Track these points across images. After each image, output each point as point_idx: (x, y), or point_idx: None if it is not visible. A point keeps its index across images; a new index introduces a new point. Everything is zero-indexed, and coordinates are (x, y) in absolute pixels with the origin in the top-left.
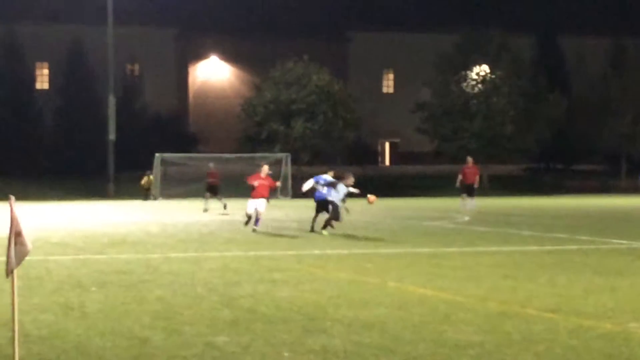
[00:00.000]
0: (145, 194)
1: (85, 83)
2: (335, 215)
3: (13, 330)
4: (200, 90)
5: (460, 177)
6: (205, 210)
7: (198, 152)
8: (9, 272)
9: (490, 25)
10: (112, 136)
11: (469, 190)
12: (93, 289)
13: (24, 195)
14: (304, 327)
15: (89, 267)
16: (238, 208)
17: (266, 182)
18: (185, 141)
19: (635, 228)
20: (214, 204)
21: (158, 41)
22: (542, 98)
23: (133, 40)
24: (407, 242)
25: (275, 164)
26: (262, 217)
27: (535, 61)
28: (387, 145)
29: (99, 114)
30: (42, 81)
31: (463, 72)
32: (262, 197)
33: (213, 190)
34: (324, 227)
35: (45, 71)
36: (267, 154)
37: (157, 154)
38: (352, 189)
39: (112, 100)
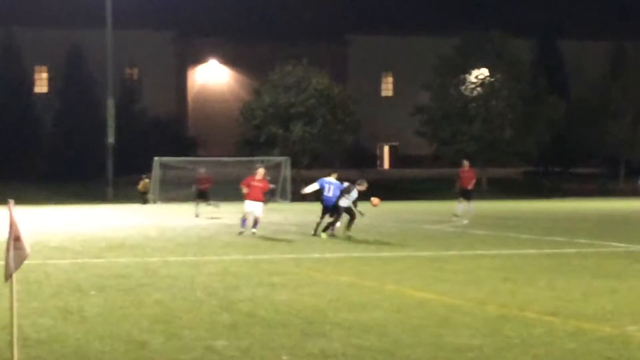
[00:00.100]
0: (143, 197)
1: (84, 86)
2: (336, 220)
3: (12, 334)
4: (199, 94)
5: (459, 182)
6: (197, 215)
7: (197, 155)
8: (8, 276)
9: (490, 28)
10: (111, 140)
11: (465, 194)
12: (92, 292)
13: (22, 199)
14: (303, 330)
15: (87, 271)
16: (236, 212)
17: (260, 185)
18: (184, 145)
19: (634, 231)
20: (208, 208)
21: (157, 45)
22: (541, 101)
23: (132, 43)
24: (406, 245)
25: (274, 168)
26: (261, 221)
27: (535, 64)
28: (386, 148)
29: (98, 118)
30: (41, 85)
31: (462, 75)
32: (258, 200)
33: (203, 196)
34: (325, 229)
35: (44, 75)
36: (266, 158)
37: (156, 158)
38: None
39: (111, 104)
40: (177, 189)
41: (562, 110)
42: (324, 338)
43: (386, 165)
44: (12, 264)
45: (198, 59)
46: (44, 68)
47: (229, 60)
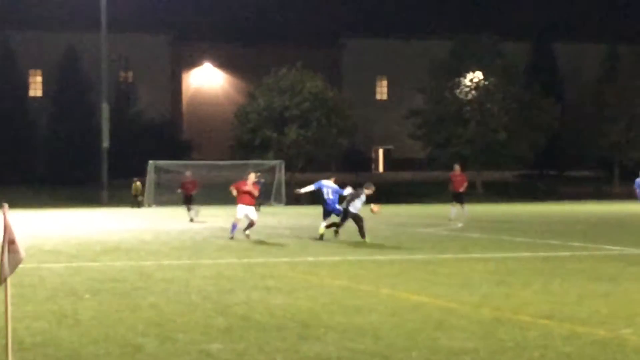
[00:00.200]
0: (134, 201)
1: (79, 90)
2: (342, 222)
3: (6, 338)
4: (194, 97)
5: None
6: (191, 219)
7: (191, 159)
8: (3, 280)
9: (484, 32)
10: (105, 143)
11: (457, 198)
12: (86, 296)
13: (17, 203)
14: (298, 334)
15: (82, 274)
16: (230, 215)
17: (252, 190)
18: (179, 148)
19: (629, 234)
20: (183, 210)
21: (151, 48)
22: (536, 104)
23: (127, 47)
24: (400, 248)
25: (269, 171)
26: (255, 224)
27: (529, 67)
28: (380, 151)
29: (93, 121)
30: (36, 88)
31: (457, 79)
32: (250, 204)
33: (189, 200)
34: (329, 226)
35: (39, 78)
36: (260, 161)
37: (150, 161)
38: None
39: (105, 108)
40: (171, 193)
41: (557, 114)
42: (318, 342)
43: (381, 168)
44: (6, 267)
45: (193, 63)
46: (39, 72)
47: (224, 63)
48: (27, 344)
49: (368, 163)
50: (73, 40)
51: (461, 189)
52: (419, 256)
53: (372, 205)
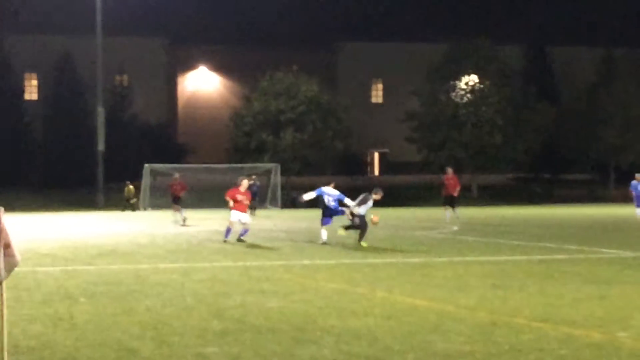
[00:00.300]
0: (125, 204)
1: (74, 94)
2: (364, 225)
3: (2, 341)
4: (189, 101)
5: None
6: (182, 221)
7: (187, 162)
8: None
9: (479, 35)
10: (101, 147)
11: (450, 201)
12: (82, 300)
13: (12, 206)
14: (293, 337)
15: (78, 278)
16: (225, 218)
17: (245, 197)
18: (175, 151)
19: (624, 237)
20: (188, 213)
21: (147, 52)
22: (531, 108)
23: (122, 50)
24: (396, 251)
25: (264, 175)
26: (249, 227)
27: (524, 71)
28: (376, 155)
29: (88, 125)
30: (31, 92)
31: (452, 82)
32: (244, 211)
33: (177, 201)
34: (347, 228)
35: (34, 82)
36: (256, 165)
37: (146, 165)
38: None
39: (101, 111)
40: (167, 196)
41: (552, 117)
42: (314, 345)
43: (376, 171)
44: (2, 271)
45: (188, 66)
46: (34, 75)
47: (219, 67)
48: (23, 348)
49: (364, 166)
50: (69, 43)
51: (455, 193)
52: (414, 259)
53: (372, 216)
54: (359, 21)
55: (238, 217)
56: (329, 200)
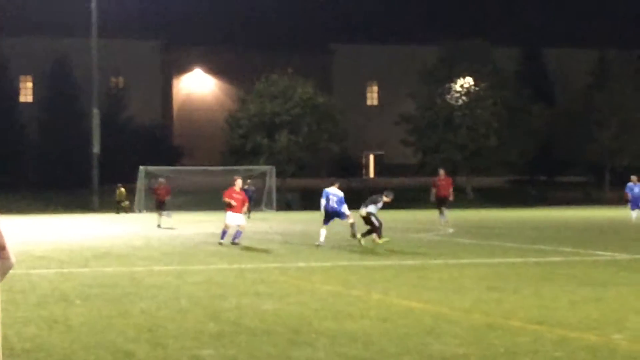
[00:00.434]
0: (117, 206)
1: (70, 96)
2: (379, 224)
3: None
4: (185, 103)
5: (434, 190)
6: (159, 226)
7: (182, 164)
8: None
9: (475, 38)
10: (96, 149)
11: (442, 203)
12: (77, 302)
13: (7, 209)
14: (288, 339)
15: (73, 280)
16: (221, 220)
17: (240, 197)
18: (170, 154)
19: (620, 239)
20: (184, 216)
21: (142, 54)
22: (526, 110)
23: (117, 53)
24: (391, 254)
25: (259, 177)
26: (244, 230)
27: (520, 73)
28: (371, 157)
29: (84, 127)
30: (26, 94)
31: (447, 84)
32: (239, 212)
33: (161, 205)
34: (379, 237)
35: (29, 84)
36: (251, 167)
37: (141, 167)
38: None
39: (96, 113)
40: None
41: (547, 119)
42: (309, 347)
43: (371, 174)
44: None
45: (183, 68)
46: (29, 78)
47: (215, 69)
48: (18, 350)
49: (359, 168)
50: (64, 46)
51: (447, 194)
52: (410, 262)
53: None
54: (354, 23)
55: (233, 219)
56: (332, 201)
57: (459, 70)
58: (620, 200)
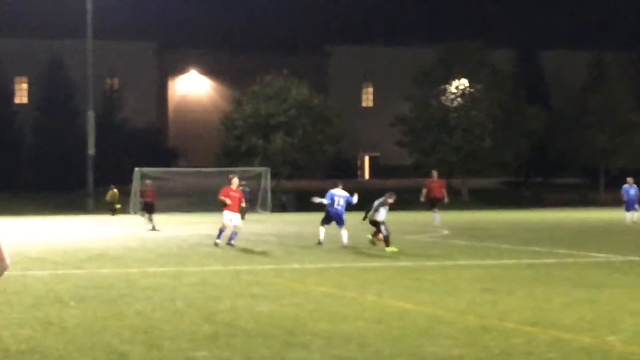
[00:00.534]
0: (110, 208)
1: (65, 97)
2: (388, 233)
3: None
4: (180, 105)
5: (424, 191)
6: (153, 228)
7: (177, 166)
8: None
9: (470, 39)
10: (91, 151)
11: (435, 204)
12: (72, 303)
13: (2, 210)
14: (283, 341)
15: (67, 282)
16: (216, 222)
17: (237, 195)
18: (165, 155)
19: (614, 241)
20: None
21: (137, 55)
22: (522, 112)
23: (112, 54)
24: (386, 255)
25: (254, 178)
26: (239, 230)
27: (515, 75)
28: (366, 158)
29: (79, 129)
30: (21, 96)
31: (442, 86)
32: (236, 210)
33: (148, 208)
34: (387, 244)
35: (25, 86)
36: (246, 168)
37: (136, 168)
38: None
39: (91, 115)
40: (156, 200)
41: (543, 121)
42: (304, 349)
43: (367, 175)
44: None
45: (179, 70)
46: (24, 79)
47: (210, 70)
48: (13, 352)
49: (354, 170)
50: (59, 47)
51: (440, 196)
52: (404, 263)
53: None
54: (349, 25)
55: (230, 218)
56: (338, 202)
57: (455, 71)
58: (615, 201)
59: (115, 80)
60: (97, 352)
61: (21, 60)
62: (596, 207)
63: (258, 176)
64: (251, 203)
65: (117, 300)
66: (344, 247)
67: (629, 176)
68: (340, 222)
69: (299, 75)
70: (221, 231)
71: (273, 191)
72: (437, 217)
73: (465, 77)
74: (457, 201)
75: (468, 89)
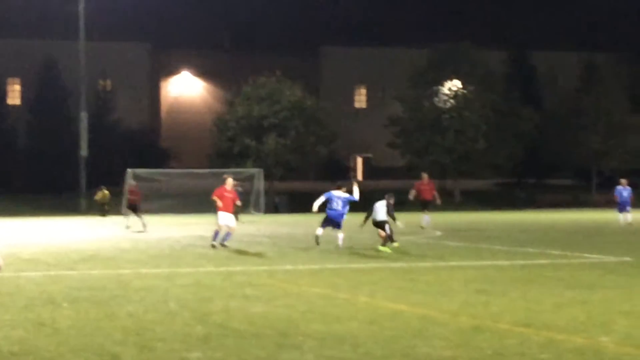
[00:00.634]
0: (101, 209)
1: (57, 99)
2: (391, 231)
3: None
4: (173, 106)
5: (414, 192)
6: (128, 227)
7: (170, 167)
8: None
9: (463, 40)
10: (84, 152)
11: (425, 206)
12: (64, 305)
13: None
14: (276, 342)
15: (60, 283)
16: (210, 223)
17: (231, 196)
18: (157, 156)
19: (607, 242)
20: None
21: (130, 57)
22: (515, 113)
23: (105, 55)
24: (379, 257)
25: (247, 180)
26: (233, 232)
27: (507, 76)
28: (359, 159)
29: (71, 130)
30: (14, 97)
31: (435, 87)
32: (230, 211)
33: (133, 208)
34: (392, 242)
35: (17, 87)
36: (239, 169)
37: (129, 170)
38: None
39: (84, 116)
40: (149, 201)
41: (535, 122)
42: (297, 350)
43: (360, 176)
44: None
45: (171, 71)
46: (17, 80)
47: (202, 72)
48: (5, 353)
49: (347, 171)
50: (51, 48)
51: (430, 198)
52: (397, 264)
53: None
54: (342, 26)
55: (225, 219)
56: (337, 204)
57: (447, 73)
58: (608, 203)
59: (108, 82)
60: (90, 354)
61: (14, 61)
62: (589, 208)
63: (251, 177)
64: (244, 204)
65: (109, 302)
66: (338, 249)
67: (622, 177)
68: (337, 225)
69: (292, 77)
70: (216, 233)
71: (266, 192)
72: (427, 218)
73: (458, 78)
74: (450, 203)
75: (461, 90)
